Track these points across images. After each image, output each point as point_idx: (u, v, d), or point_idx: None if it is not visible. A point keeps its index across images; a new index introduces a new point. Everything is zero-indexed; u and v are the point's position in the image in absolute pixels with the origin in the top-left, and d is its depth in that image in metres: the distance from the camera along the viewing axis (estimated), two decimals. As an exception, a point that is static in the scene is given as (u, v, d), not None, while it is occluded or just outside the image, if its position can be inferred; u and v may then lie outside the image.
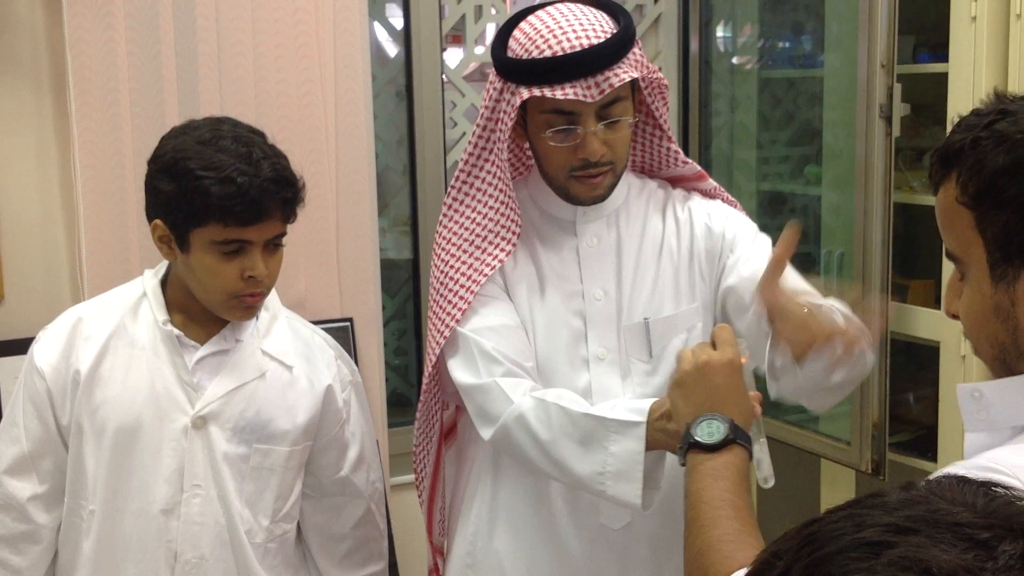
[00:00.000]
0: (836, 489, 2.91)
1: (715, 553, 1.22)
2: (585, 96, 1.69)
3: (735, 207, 1.94)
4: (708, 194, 1.94)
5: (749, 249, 1.83)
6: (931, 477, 0.79)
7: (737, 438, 1.41)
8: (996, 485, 0.75)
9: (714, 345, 1.55)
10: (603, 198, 1.82)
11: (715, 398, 1.47)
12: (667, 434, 1.60)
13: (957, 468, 1.04)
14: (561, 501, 1.84)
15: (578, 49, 1.68)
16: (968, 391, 1.15)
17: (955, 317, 1.20)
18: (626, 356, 1.82)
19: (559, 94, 1.69)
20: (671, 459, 1.69)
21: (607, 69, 1.69)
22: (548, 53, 1.69)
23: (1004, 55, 2.45)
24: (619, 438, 1.65)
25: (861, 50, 2.53)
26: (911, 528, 0.69)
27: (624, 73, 1.71)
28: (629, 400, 1.75)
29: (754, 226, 1.90)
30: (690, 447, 1.42)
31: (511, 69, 1.74)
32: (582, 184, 1.78)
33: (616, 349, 1.83)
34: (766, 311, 1.57)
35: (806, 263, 2.82)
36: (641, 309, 1.83)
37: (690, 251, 1.87)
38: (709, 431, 1.41)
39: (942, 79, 2.57)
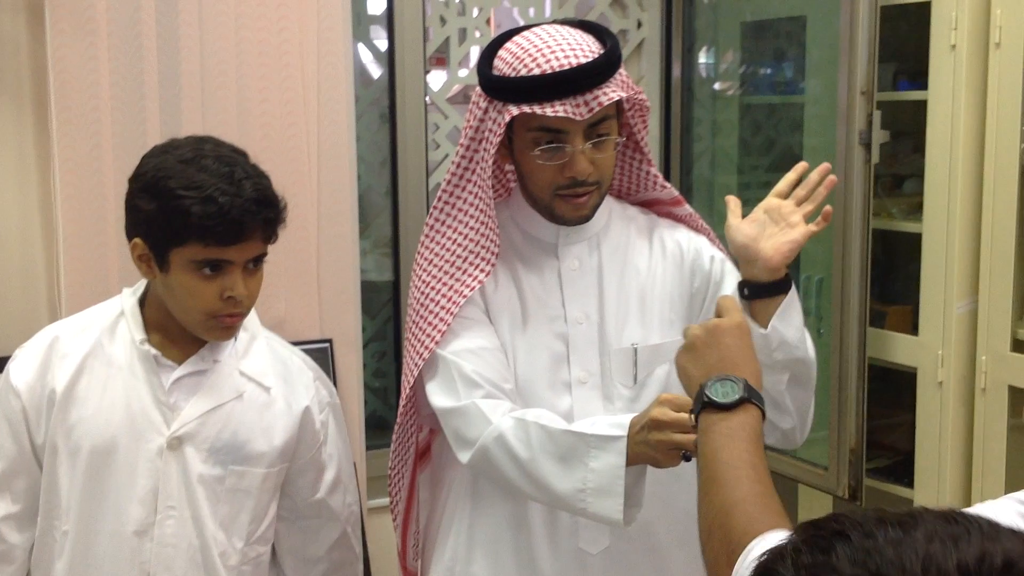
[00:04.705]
0: (813, 514, 2.89)
1: (741, 514, 1.18)
2: (575, 114, 1.69)
3: (708, 235, 1.96)
4: (684, 220, 1.95)
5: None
6: (970, 516, 0.74)
7: (752, 397, 1.36)
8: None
9: (719, 315, 1.52)
10: (587, 218, 1.82)
11: (726, 359, 1.44)
12: (649, 446, 1.59)
13: None
14: (540, 525, 1.83)
15: (567, 67, 1.68)
16: None
17: None
18: (610, 380, 1.82)
19: (549, 111, 1.69)
20: (650, 484, 1.69)
21: (596, 88, 1.70)
22: (537, 71, 1.69)
23: (983, 83, 2.48)
24: (599, 453, 1.63)
25: (841, 77, 2.55)
26: None
27: (613, 92, 1.71)
28: (609, 416, 1.73)
29: (736, 272, 1.89)
30: (703, 407, 1.37)
31: (499, 87, 1.73)
32: (567, 203, 1.78)
33: (599, 373, 1.82)
34: (745, 247, 1.75)
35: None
36: (627, 335, 1.83)
37: (679, 285, 1.87)
38: (724, 391, 1.36)
39: (921, 107, 2.59)
